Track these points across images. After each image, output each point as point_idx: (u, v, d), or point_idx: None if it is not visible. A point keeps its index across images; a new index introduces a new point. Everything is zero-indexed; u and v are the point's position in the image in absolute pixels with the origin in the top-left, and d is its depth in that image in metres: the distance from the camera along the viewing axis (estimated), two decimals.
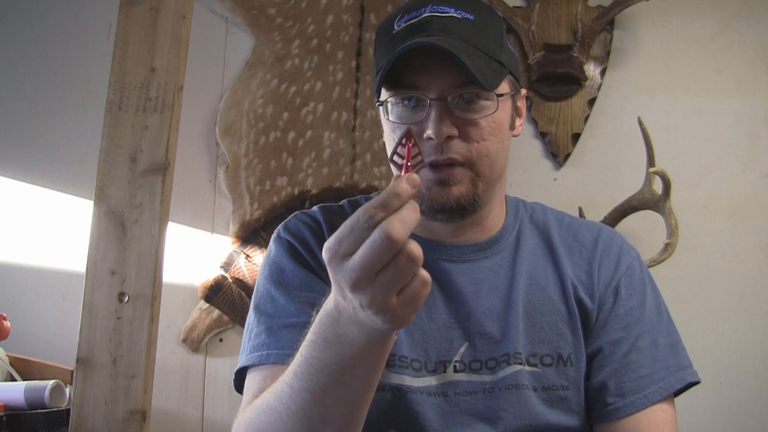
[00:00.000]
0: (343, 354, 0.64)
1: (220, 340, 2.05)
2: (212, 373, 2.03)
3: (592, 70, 2.07)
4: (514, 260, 0.92)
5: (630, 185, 1.88)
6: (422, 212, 0.85)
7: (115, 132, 1.50)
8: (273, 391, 0.72)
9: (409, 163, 0.64)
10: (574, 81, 2.04)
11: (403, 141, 0.64)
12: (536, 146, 2.08)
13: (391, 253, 0.56)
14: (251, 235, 2.06)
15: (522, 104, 0.94)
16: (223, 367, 2.03)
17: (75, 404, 1.41)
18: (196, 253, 2.08)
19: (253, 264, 2.05)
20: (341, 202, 0.99)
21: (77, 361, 1.42)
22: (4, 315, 1.72)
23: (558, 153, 2.06)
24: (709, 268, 1.98)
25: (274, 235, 0.95)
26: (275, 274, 0.90)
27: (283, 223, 0.96)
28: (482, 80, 0.79)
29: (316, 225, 0.94)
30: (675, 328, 0.93)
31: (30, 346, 1.87)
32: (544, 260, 0.93)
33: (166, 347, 2.01)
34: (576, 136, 2.07)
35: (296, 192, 2.07)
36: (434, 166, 0.83)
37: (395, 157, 0.65)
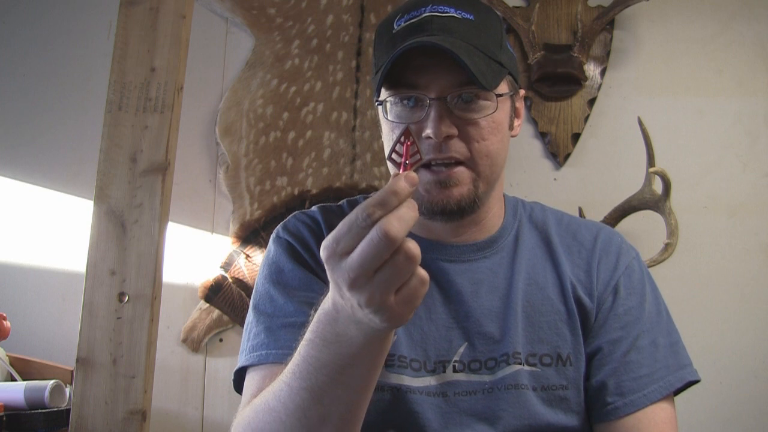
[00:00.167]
0: (342, 353, 0.64)
1: (220, 340, 2.05)
2: (212, 373, 2.03)
3: (592, 70, 2.07)
4: (513, 260, 0.92)
5: (630, 185, 1.88)
6: (421, 213, 0.85)
7: (115, 132, 1.50)
8: (272, 390, 0.72)
9: (407, 162, 0.64)
10: (574, 81, 2.04)
11: (402, 139, 0.65)
12: (536, 146, 2.08)
13: (389, 251, 0.55)
14: (251, 235, 2.06)
15: (520, 105, 0.94)
16: (223, 367, 2.03)
17: (75, 404, 1.41)
18: (196, 253, 2.08)
19: (253, 264, 2.05)
20: (340, 202, 0.99)
21: (77, 361, 1.42)
22: (4, 315, 1.72)
23: (558, 153, 2.06)
24: (709, 268, 1.98)
25: (273, 235, 0.95)
26: (274, 274, 0.90)
27: (282, 223, 0.96)
28: (482, 80, 0.79)
29: (315, 225, 0.94)
30: (674, 327, 0.93)
31: (30, 346, 1.87)
32: (543, 260, 0.93)
33: (166, 347, 2.01)
34: (576, 136, 2.07)
35: (296, 192, 2.07)
36: (433, 167, 0.83)
37: (393, 155, 0.65)
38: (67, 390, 1.57)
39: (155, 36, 1.53)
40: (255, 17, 2.16)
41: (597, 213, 1.89)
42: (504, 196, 0.98)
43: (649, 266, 1.75)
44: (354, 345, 0.64)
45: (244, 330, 0.91)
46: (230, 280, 2.06)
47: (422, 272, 0.58)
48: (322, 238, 0.90)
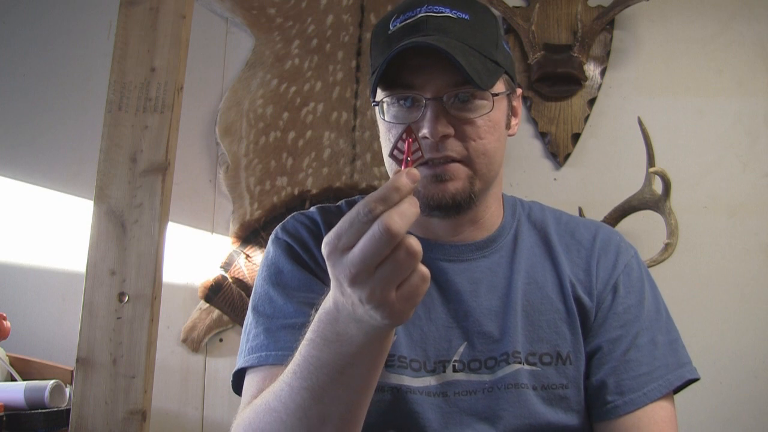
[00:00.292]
0: (342, 352, 0.64)
1: (220, 340, 2.05)
2: (212, 373, 2.03)
3: (592, 70, 2.07)
4: (512, 259, 0.92)
5: (630, 185, 1.88)
6: (419, 209, 0.85)
7: (115, 132, 1.50)
8: (272, 390, 0.72)
9: (409, 158, 0.64)
10: (574, 81, 2.04)
11: (404, 137, 0.65)
12: (536, 146, 2.08)
13: (390, 246, 0.56)
14: (251, 235, 2.06)
15: (518, 104, 0.94)
16: (223, 367, 2.03)
17: (75, 404, 1.41)
18: (196, 253, 2.08)
19: (253, 264, 2.05)
20: (339, 203, 0.99)
21: (77, 361, 1.42)
22: (4, 315, 1.72)
23: (558, 153, 2.06)
24: (709, 268, 1.98)
25: (272, 236, 0.95)
26: (273, 275, 0.90)
27: (280, 224, 0.96)
28: (477, 80, 0.79)
29: (314, 225, 0.94)
30: (674, 326, 0.93)
31: (30, 346, 1.87)
32: (542, 259, 0.93)
33: (166, 347, 2.01)
34: (576, 136, 2.07)
35: (296, 192, 2.07)
36: (430, 164, 0.83)
37: (395, 152, 0.66)
38: (67, 390, 1.57)
39: (155, 36, 1.53)
40: (255, 17, 2.16)
41: (597, 213, 1.89)
42: (502, 195, 0.98)
43: (649, 266, 1.75)
44: (354, 344, 0.64)
45: (242, 331, 0.90)
46: (230, 280, 2.06)
47: (423, 269, 0.59)
48: (321, 238, 0.90)
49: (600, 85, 2.08)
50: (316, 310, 0.67)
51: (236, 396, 0.88)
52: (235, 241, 2.07)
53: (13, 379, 1.64)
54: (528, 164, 2.07)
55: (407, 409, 0.85)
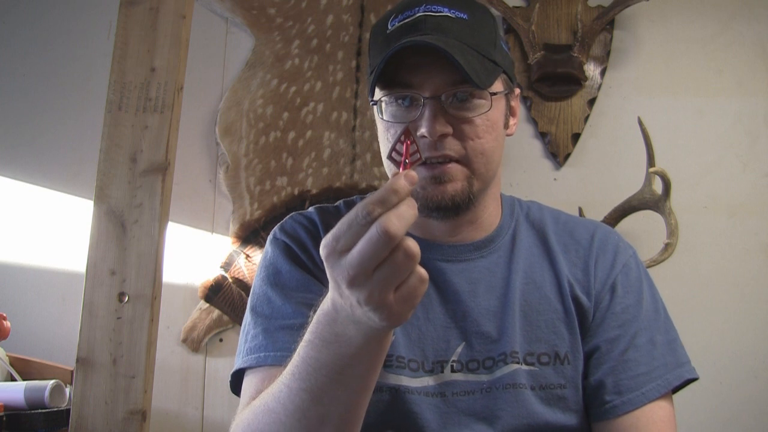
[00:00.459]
0: (341, 353, 0.64)
1: (220, 340, 2.05)
2: (212, 373, 2.03)
3: (592, 70, 2.07)
4: (510, 259, 0.92)
5: (630, 185, 1.88)
6: (418, 210, 0.85)
7: (115, 132, 1.50)
8: (271, 391, 0.72)
9: (407, 160, 0.64)
10: (574, 81, 2.04)
11: (402, 138, 0.65)
12: (536, 146, 2.08)
13: (389, 248, 0.56)
14: (251, 235, 2.06)
15: (516, 104, 0.94)
16: (223, 367, 2.03)
17: (75, 404, 1.41)
18: (196, 253, 2.08)
19: (253, 264, 2.05)
20: (337, 203, 0.99)
21: (77, 361, 1.42)
22: (4, 315, 1.72)
23: (558, 153, 2.06)
24: (709, 268, 1.98)
25: (270, 237, 0.95)
26: (272, 275, 0.90)
27: (278, 224, 0.96)
28: (476, 79, 0.79)
29: (312, 226, 0.94)
30: (672, 325, 0.93)
31: (30, 346, 1.87)
32: (541, 259, 0.93)
33: (166, 347, 2.01)
34: (576, 136, 2.06)
35: (296, 192, 2.07)
36: (429, 163, 0.83)
37: (393, 154, 0.66)
38: (67, 390, 1.57)
39: (155, 36, 1.53)
40: (255, 17, 2.16)
41: (597, 213, 1.89)
42: (501, 195, 0.98)
43: (649, 266, 1.76)
44: (353, 345, 0.64)
45: (241, 331, 0.90)
46: (230, 280, 2.06)
47: (421, 271, 0.59)
48: (319, 239, 0.90)
49: (600, 85, 2.08)
50: (315, 310, 0.67)
51: (236, 396, 0.87)
52: (235, 241, 2.07)
53: (13, 379, 1.64)
54: (528, 164, 2.07)
55: (405, 410, 0.85)
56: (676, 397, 0.90)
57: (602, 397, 0.86)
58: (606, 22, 2.05)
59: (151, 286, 1.43)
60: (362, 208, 0.57)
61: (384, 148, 0.89)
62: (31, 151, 2.15)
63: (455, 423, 0.85)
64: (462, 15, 0.85)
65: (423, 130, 0.82)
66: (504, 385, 0.86)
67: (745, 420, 1.91)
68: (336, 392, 0.67)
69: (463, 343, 0.88)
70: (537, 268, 0.92)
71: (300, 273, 0.89)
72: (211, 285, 2.06)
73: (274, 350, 0.83)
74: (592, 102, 2.08)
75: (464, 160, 0.84)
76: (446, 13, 0.84)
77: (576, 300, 0.90)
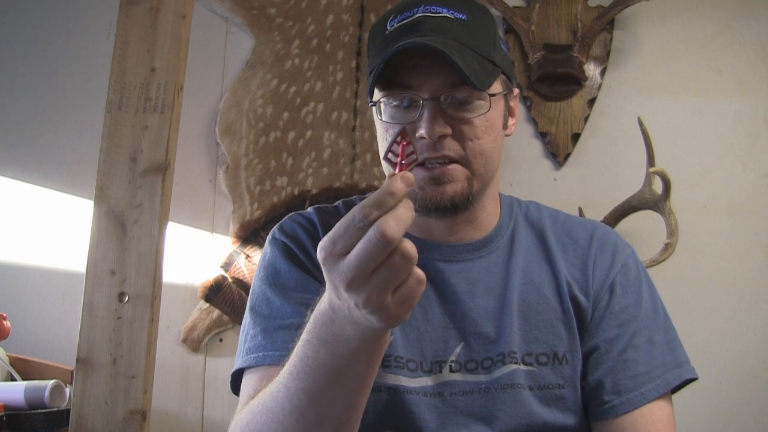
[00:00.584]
0: (339, 353, 0.64)
1: (220, 340, 2.05)
2: (212, 373, 2.03)
3: (592, 70, 2.07)
4: (508, 259, 0.92)
5: (630, 185, 1.88)
6: (416, 211, 0.85)
7: (115, 132, 1.50)
8: (269, 391, 0.72)
9: (403, 162, 0.64)
10: (574, 81, 2.04)
11: (398, 139, 0.65)
12: (536, 146, 2.08)
13: (386, 251, 0.56)
14: (251, 235, 2.07)
15: (515, 104, 0.94)
16: (223, 367, 2.03)
17: (75, 404, 1.41)
18: (196, 253, 2.08)
19: (253, 264, 2.05)
20: (336, 203, 0.99)
21: (77, 361, 1.42)
22: (4, 315, 1.72)
23: (558, 153, 2.06)
24: (709, 268, 1.98)
25: (269, 237, 0.95)
26: (271, 275, 0.90)
27: (277, 224, 0.96)
28: (475, 80, 0.79)
29: (311, 226, 0.94)
30: (672, 325, 0.92)
31: (30, 346, 1.87)
32: (539, 259, 0.93)
33: (166, 347, 2.01)
34: (576, 136, 2.06)
35: (296, 192, 2.07)
36: (428, 165, 0.83)
37: (390, 155, 0.66)
38: (67, 390, 1.57)
39: (155, 36, 1.53)
40: (255, 17, 2.16)
41: (597, 213, 1.89)
42: (500, 195, 0.98)
43: (649, 266, 1.76)
44: (351, 345, 0.64)
45: (240, 332, 0.90)
46: (230, 280, 2.06)
47: (419, 272, 0.59)
48: (318, 239, 0.91)
49: (600, 85, 2.08)
50: (312, 310, 0.67)
51: (236, 396, 0.87)
52: (235, 241, 2.07)
53: (13, 379, 1.64)
54: (528, 164, 2.07)
55: (404, 410, 0.85)
56: (675, 397, 0.90)
57: (601, 397, 0.86)
58: (606, 22, 2.05)
59: (151, 286, 1.43)
60: (359, 211, 0.57)
61: (383, 149, 0.90)
62: (31, 151, 2.15)
63: (454, 423, 0.85)
64: (461, 15, 0.85)
65: (422, 131, 0.82)
66: (502, 385, 0.86)
67: (745, 420, 1.91)
68: (334, 392, 0.67)
69: (462, 343, 0.88)
70: (535, 268, 0.92)
71: (299, 273, 0.89)
72: (211, 285, 2.06)
73: (273, 350, 0.83)
74: (592, 102, 2.08)
75: (463, 161, 0.84)
76: (445, 13, 0.84)
77: (574, 300, 0.90)
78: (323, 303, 0.64)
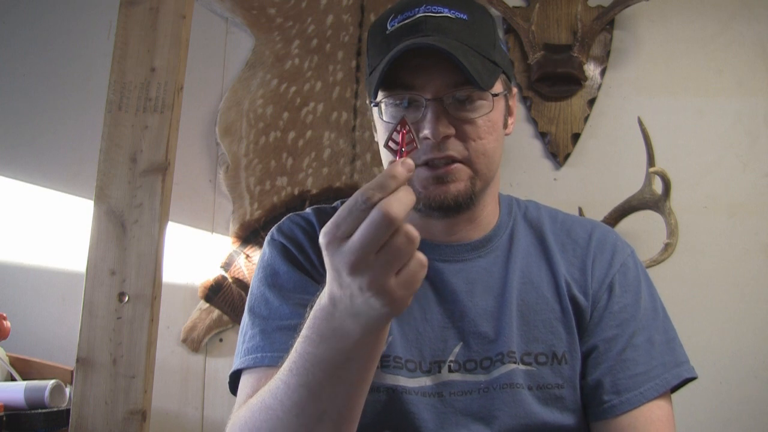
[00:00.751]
0: (338, 348, 0.65)
1: (220, 340, 2.05)
2: (212, 373, 2.03)
3: (592, 70, 2.07)
4: (507, 259, 0.92)
5: (630, 185, 1.88)
6: (418, 210, 0.86)
7: (115, 132, 1.50)
8: (268, 388, 0.72)
9: (403, 149, 0.65)
10: (574, 81, 2.04)
11: (398, 128, 0.66)
12: (536, 146, 2.08)
13: (390, 231, 0.56)
14: (251, 235, 2.07)
15: (513, 103, 0.94)
16: (223, 367, 2.03)
17: (75, 404, 1.41)
18: (196, 253, 2.08)
19: (253, 264, 2.05)
20: (334, 204, 0.99)
21: (77, 361, 1.42)
22: (4, 315, 1.72)
23: (558, 153, 2.06)
24: (709, 268, 1.98)
25: (267, 238, 0.95)
26: (269, 276, 0.90)
27: (276, 225, 0.96)
28: (479, 80, 0.79)
29: (310, 227, 0.94)
30: (671, 325, 0.92)
31: (30, 346, 1.87)
32: (538, 258, 0.93)
33: (166, 347, 2.01)
34: (576, 136, 2.06)
35: (296, 192, 2.07)
36: (431, 165, 0.83)
37: (390, 143, 0.66)
38: (67, 390, 1.57)
39: (155, 36, 1.53)
40: (255, 17, 2.16)
41: (597, 213, 1.89)
42: (499, 195, 0.98)
43: (649, 266, 1.76)
44: (351, 339, 0.64)
45: (239, 332, 0.90)
46: (230, 280, 2.06)
47: (421, 255, 0.59)
48: (317, 239, 0.90)
49: (600, 85, 2.08)
50: (311, 307, 0.67)
51: (235, 396, 0.87)
52: (235, 241, 2.07)
53: (13, 379, 1.65)
54: (528, 164, 2.07)
55: (403, 410, 0.85)
56: (675, 396, 0.89)
57: (600, 396, 0.86)
58: (606, 22, 2.05)
59: (151, 286, 1.44)
60: (361, 194, 0.58)
61: (382, 150, 0.90)
62: (31, 151, 2.15)
63: (452, 423, 0.85)
64: (462, 15, 0.85)
65: (426, 132, 0.82)
66: (501, 385, 0.86)
67: (745, 420, 1.91)
68: (334, 387, 0.67)
69: (461, 343, 0.88)
70: (534, 267, 0.92)
71: (297, 274, 0.89)
72: (211, 285, 2.06)
73: (271, 351, 0.83)
74: (592, 102, 2.08)
75: (467, 161, 0.84)
76: (446, 13, 0.84)
77: (573, 299, 0.90)
78: (323, 298, 0.64)
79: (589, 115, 2.07)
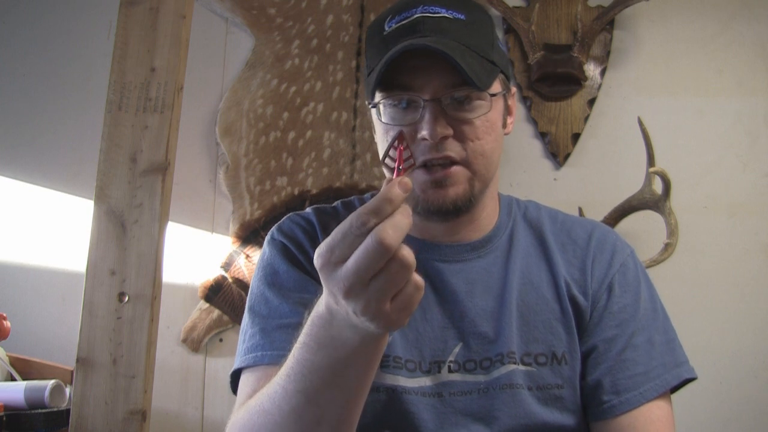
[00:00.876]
0: (337, 356, 0.64)
1: (220, 340, 2.05)
2: (212, 373, 2.03)
3: (592, 70, 2.07)
4: (507, 259, 0.92)
5: (630, 185, 1.88)
6: (417, 213, 0.85)
7: (115, 132, 1.50)
8: (266, 392, 0.72)
9: (400, 167, 0.64)
10: (574, 81, 2.04)
11: (395, 144, 0.65)
12: (536, 146, 2.08)
13: (384, 259, 0.55)
14: (251, 235, 2.07)
15: (513, 102, 0.94)
16: (223, 367, 2.03)
17: (75, 404, 1.41)
18: (196, 253, 2.08)
19: (253, 264, 2.05)
20: (335, 204, 0.99)
21: (77, 361, 1.42)
22: (4, 315, 1.72)
23: (558, 153, 2.06)
24: (709, 268, 1.98)
25: (267, 237, 0.95)
26: (269, 275, 0.90)
27: (276, 224, 0.96)
28: (476, 81, 0.79)
29: (310, 226, 0.94)
30: (671, 325, 0.92)
31: (30, 346, 1.87)
32: (538, 259, 0.93)
33: (166, 347, 2.01)
34: (576, 136, 2.06)
35: (296, 192, 2.07)
36: (429, 167, 0.83)
37: (387, 160, 0.65)
38: (67, 390, 1.57)
39: (155, 36, 1.53)
40: (255, 17, 2.16)
41: (597, 213, 1.89)
42: (499, 195, 0.98)
43: (649, 266, 1.76)
44: (349, 347, 0.63)
45: (240, 332, 0.91)
46: (230, 280, 2.06)
47: (417, 279, 0.58)
48: (317, 239, 0.91)
49: (600, 85, 2.08)
50: (310, 311, 0.67)
51: (235, 396, 0.87)
52: (235, 241, 2.07)
53: (13, 379, 1.65)
54: (528, 164, 2.07)
55: (402, 410, 0.85)
56: (675, 397, 0.89)
57: (600, 397, 0.86)
58: (606, 22, 2.05)
59: (151, 286, 1.44)
60: (356, 218, 0.57)
61: (382, 151, 0.89)
62: (31, 151, 2.15)
63: (452, 423, 0.85)
64: (459, 15, 0.84)
65: (424, 133, 0.81)
66: (501, 385, 0.86)
67: (745, 420, 1.91)
68: (331, 394, 0.67)
69: (461, 343, 0.88)
70: (534, 268, 0.92)
71: (297, 273, 0.89)
72: (211, 285, 2.06)
73: (271, 349, 0.83)
74: (592, 102, 2.08)
75: (465, 162, 0.84)
76: (444, 13, 0.84)
77: (573, 300, 0.90)
78: (320, 306, 0.64)
79: (589, 115, 2.08)
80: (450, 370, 0.87)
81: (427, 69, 0.81)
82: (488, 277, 0.90)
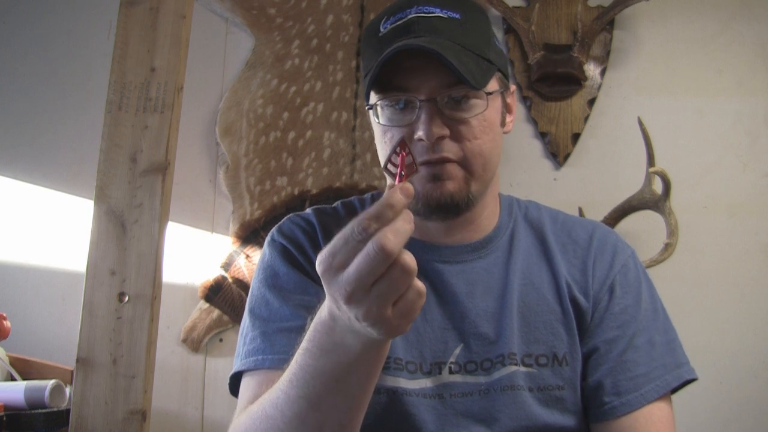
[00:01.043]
0: (339, 362, 0.64)
1: (220, 340, 2.05)
2: (212, 373, 2.03)
3: (592, 70, 2.07)
4: (508, 260, 0.92)
5: (630, 185, 1.88)
6: (417, 212, 0.84)
7: (115, 132, 1.50)
8: (268, 398, 0.72)
9: (402, 173, 0.64)
10: (574, 81, 2.04)
11: (397, 150, 0.65)
12: (536, 146, 2.08)
13: (385, 265, 0.55)
14: (251, 235, 2.07)
15: (512, 100, 0.94)
16: (223, 367, 2.03)
17: (75, 404, 1.41)
18: (196, 253, 2.08)
19: (253, 264, 2.05)
20: (335, 204, 0.98)
21: (77, 361, 1.42)
22: (4, 315, 1.72)
23: (558, 153, 2.06)
24: (709, 268, 1.98)
25: (267, 239, 0.94)
26: (269, 277, 0.90)
27: (276, 226, 0.96)
28: (471, 80, 0.79)
29: (310, 227, 0.93)
30: (671, 326, 0.92)
31: (30, 346, 1.87)
32: (539, 259, 0.93)
33: (166, 347, 2.01)
34: (576, 136, 2.06)
35: (296, 192, 2.07)
36: (427, 163, 0.83)
37: (389, 166, 0.65)
38: (67, 390, 1.57)
39: (155, 36, 1.54)
40: (255, 17, 2.16)
41: (597, 213, 1.89)
42: (499, 195, 0.97)
43: (649, 266, 1.76)
44: (351, 353, 0.63)
45: (239, 333, 0.90)
46: (230, 280, 2.06)
47: (419, 284, 0.58)
48: (317, 240, 0.91)
49: (600, 85, 2.08)
50: (312, 318, 0.67)
51: (235, 397, 0.87)
52: (235, 241, 2.07)
53: (13, 379, 1.65)
54: (528, 164, 2.07)
55: (403, 411, 0.85)
56: (675, 397, 0.89)
57: (601, 398, 0.86)
58: (606, 22, 2.05)
59: (151, 286, 1.44)
60: (358, 224, 0.57)
61: (381, 152, 0.89)
62: (31, 151, 2.15)
63: (453, 425, 0.85)
64: (454, 14, 0.84)
65: (420, 133, 0.81)
66: (502, 386, 0.86)
67: (745, 420, 1.91)
68: (334, 399, 0.67)
69: (461, 344, 0.87)
70: (535, 268, 0.92)
71: (297, 275, 0.88)
72: (211, 285, 2.06)
73: (272, 353, 0.83)
74: (592, 102, 2.08)
75: (462, 162, 0.84)
76: (438, 13, 0.84)
77: (574, 301, 0.90)
78: (323, 312, 0.64)
79: (589, 115, 2.08)
80: (451, 372, 0.87)
81: (423, 69, 0.81)
82: (489, 278, 0.90)
